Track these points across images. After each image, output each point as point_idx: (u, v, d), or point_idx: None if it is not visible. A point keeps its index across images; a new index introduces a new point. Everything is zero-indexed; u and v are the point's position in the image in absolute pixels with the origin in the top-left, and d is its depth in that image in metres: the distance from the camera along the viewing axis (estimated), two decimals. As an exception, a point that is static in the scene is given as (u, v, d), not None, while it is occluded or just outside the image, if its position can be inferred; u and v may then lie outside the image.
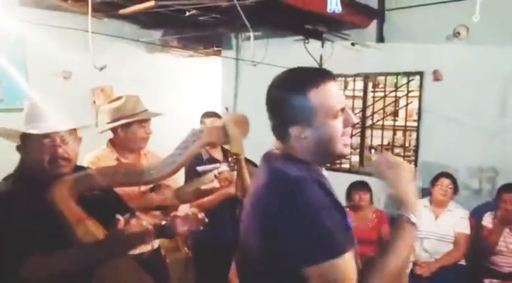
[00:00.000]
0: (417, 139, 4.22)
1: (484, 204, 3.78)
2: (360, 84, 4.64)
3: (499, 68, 3.67)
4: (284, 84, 1.27)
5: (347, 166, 4.69)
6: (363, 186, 3.88)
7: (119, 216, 1.62)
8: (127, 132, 2.46)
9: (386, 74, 4.40)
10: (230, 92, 5.39)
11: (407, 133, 4.56)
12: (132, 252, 2.03)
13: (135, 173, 1.71)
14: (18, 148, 1.71)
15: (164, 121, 2.73)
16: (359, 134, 4.60)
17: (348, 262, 1.13)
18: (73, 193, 1.60)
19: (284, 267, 1.15)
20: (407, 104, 4.37)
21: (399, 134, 4.75)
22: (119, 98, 2.52)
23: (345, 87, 4.71)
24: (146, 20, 4.36)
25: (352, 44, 4.34)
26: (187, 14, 3.75)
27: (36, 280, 1.51)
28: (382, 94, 4.52)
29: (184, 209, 2.22)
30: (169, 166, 1.63)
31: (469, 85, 3.81)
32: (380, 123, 4.55)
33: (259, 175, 1.30)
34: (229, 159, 2.71)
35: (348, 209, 3.92)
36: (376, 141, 4.70)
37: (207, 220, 1.87)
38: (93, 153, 2.48)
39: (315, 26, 4.35)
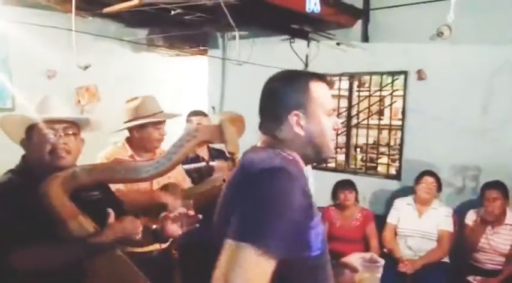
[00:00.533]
0: (401, 138, 4.26)
1: (468, 202, 3.83)
2: (345, 84, 4.67)
3: (482, 67, 3.71)
4: (287, 75, 1.34)
5: (333, 165, 4.71)
6: (348, 185, 3.92)
7: (110, 210, 1.64)
8: (142, 132, 2.46)
9: (371, 74, 4.43)
10: (216, 91, 5.38)
11: (392, 132, 4.59)
12: (141, 250, 2.04)
13: (131, 170, 1.72)
14: (22, 142, 1.75)
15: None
16: (345, 133, 4.63)
17: (262, 266, 1.05)
18: (67, 189, 1.60)
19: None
20: (392, 103, 4.40)
21: (384, 132, 4.79)
22: (135, 98, 2.53)
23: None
24: (131, 18, 4.32)
25: (338, 44, 4.36)
26: (173, 12, 3.72)
27: (26, 271, 1.51)
28: (367, 93, 4.56)
29: (174, 205, 2.22)
30: (164, 164, 1.68)
31: (452, 84, 3.85)
32: (365, 122, 4.59)
33: (241, 163, 1.29)
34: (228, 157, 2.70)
35: (333, 208, 3.96)
36: (362, 140, 4.74)
37: (200, 216, 1.82)
38: (107, 149, 2.49)
39: (301, 25, 4.37)
